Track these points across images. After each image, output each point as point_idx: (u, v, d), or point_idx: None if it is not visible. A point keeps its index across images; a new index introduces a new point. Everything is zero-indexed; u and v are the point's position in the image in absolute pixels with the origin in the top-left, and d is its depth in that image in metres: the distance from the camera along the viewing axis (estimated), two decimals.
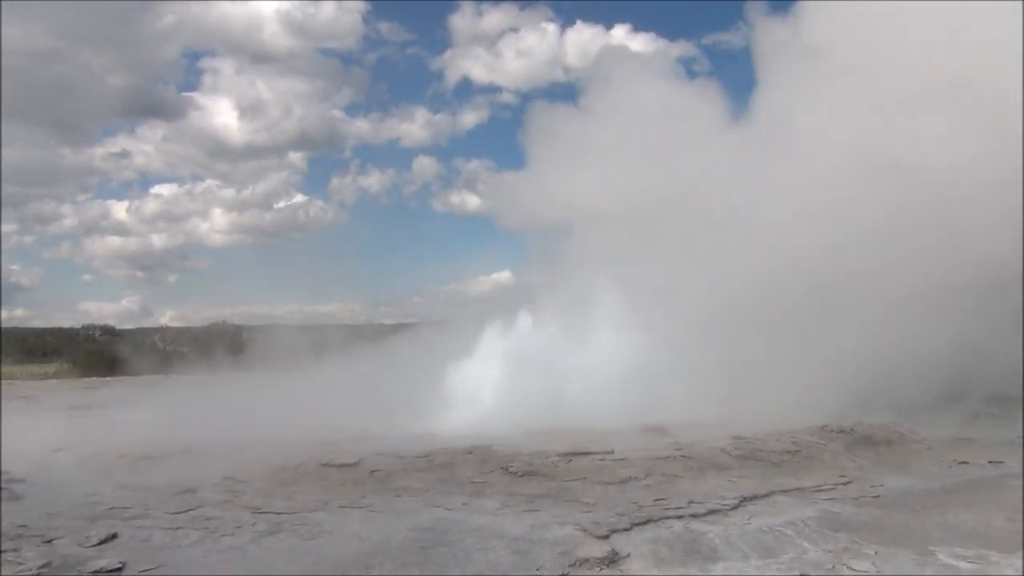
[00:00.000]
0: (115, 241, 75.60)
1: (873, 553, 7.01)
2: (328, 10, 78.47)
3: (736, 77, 71.76)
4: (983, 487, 10.00)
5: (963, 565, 6.71)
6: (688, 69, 66.33)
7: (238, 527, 7.94)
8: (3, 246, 63.00)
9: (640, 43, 71.59)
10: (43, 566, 6.52)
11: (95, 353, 41.25)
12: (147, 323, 57.04)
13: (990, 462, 11.64)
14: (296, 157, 78.94)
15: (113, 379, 32.56)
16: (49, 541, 7.32)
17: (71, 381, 32.33)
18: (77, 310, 78.63)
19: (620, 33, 71.94)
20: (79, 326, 52.08)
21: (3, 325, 48.54)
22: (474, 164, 78.83)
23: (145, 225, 75.12)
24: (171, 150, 76.94)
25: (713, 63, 67.58)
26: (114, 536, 7.52)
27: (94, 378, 33.22)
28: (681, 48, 71.50)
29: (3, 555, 6.70)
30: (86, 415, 18.02)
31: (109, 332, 50.95)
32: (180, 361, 34.35)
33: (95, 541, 7.32)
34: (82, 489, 9.81)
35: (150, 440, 12.72)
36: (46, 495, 9.38)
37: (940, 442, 13.00)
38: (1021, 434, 13.48)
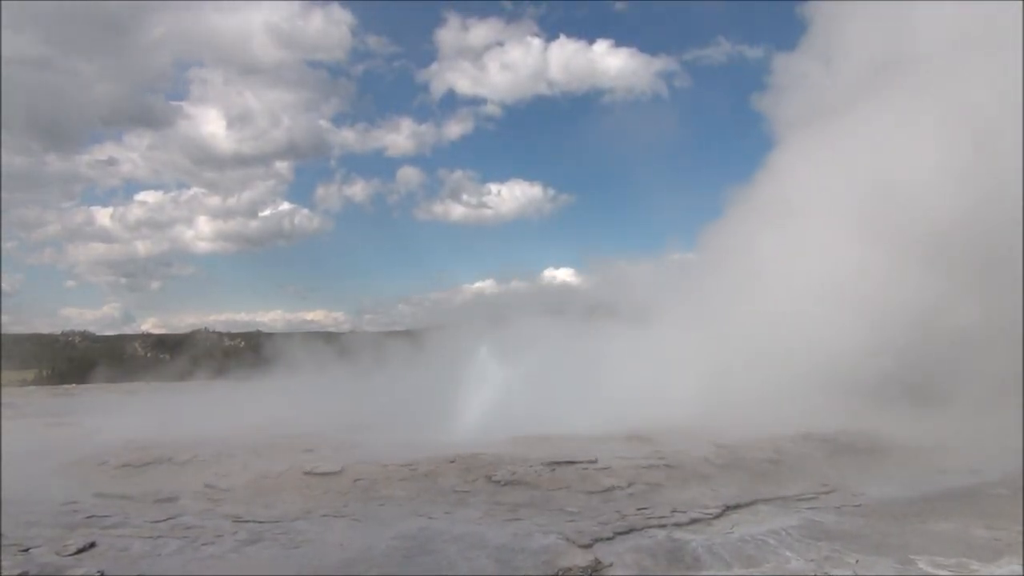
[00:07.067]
0: (99, 247, 75.03)
1: (854, 562, 7.06)
2: (317, 23, 78.37)
3: (716, 92, 72.73)
4: (962, 496, 10.09)
5: (943, 574, 6.78)
6: (669, 84, 67.42)
7: (219, 536, 7.87)
8: None
9: (621, 58, 72.52)
10: (20, 575, 6.43)
11: (74, 360, 40.85)
12: (128, 330, 56.59)
13: (969, 471, 11.75)
14: (282, 166, 78.71)
15: (93, 386, 32.18)
16: (26, 550, 7.22)
17: (50, 388, 31.94)
18: (58, 316, 77.74)
19: (602, 48, 72.53)
20: (59, 332, 51.53)
21: None
22: (458, 174, 78.99)
23: (129, 232, 74.56)
24: (158, 158, 76.37)
25: (694, 78, 68.29)
26: (92, 545, 7.42)
27: (73, 385, 32.84)
28: (662, 63, 72.24)
29: None
30: (65, 422, 17.78)
31: (89, 338, 50.51)
32: (160, 368, 34.09)
33: (73, 550, 7.23)
34: (60, 497, 9.67)
35: (130, 448, 12.59)
36: (24, 504, 9.24)
37: (922, 450, 13.05)
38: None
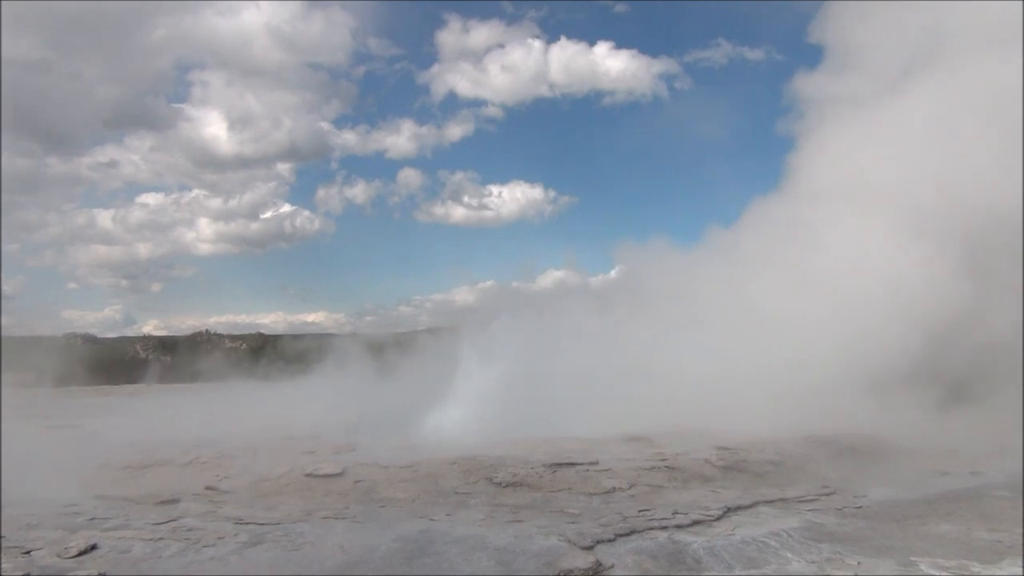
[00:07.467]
0: (100, 249, 74.85)
1: (856, 564, 7.05)
2: (318, 25, 78.28)
3: (716, 94, 72.58)
4: (964, 498, 10.10)
5: (944, 575, 6.77)
6: (669, 86, 67.30)
7: (220, 538, 7.86)
8: None
9: (622, 60, 72.41)
10: None
11: (76, 362, 40.79)
12: (129, 332, 56.51)
13: (971, 473, 11.74)
14: (284, 168, 78.53)
15: (94, 388, 32.18)
16: (28, 552, 7.22)
17: (51, 390, 31.91)
18: (59, 318, 77.55)
19: (603, 50, 72.42)
20: (60, 334, 51.40)
21: None
22: (459, 176, 78.86)
23: (130, 234, 74.47)
24: (159, 160, 75.96)
25: (694, 80, 68.20)
26: (94, 547, 7.41)
27: (74, 387, 32.82)
28: (663, 64, 72.10)
29: None
30: (66, 424, 17.78)
31: (90, 340, 50.43)
32: (162, 370, 34.06)
33: (74, 552, 7.22)
34: (61, 499, 9.65)
35: (131, 450, 12.58)
36: (25, 505, 9.23)
37: (923, 452, 13.04)
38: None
